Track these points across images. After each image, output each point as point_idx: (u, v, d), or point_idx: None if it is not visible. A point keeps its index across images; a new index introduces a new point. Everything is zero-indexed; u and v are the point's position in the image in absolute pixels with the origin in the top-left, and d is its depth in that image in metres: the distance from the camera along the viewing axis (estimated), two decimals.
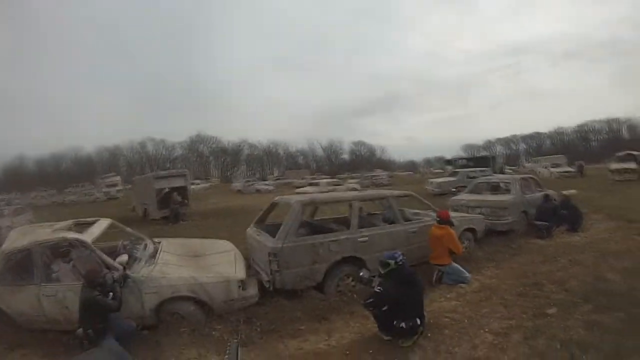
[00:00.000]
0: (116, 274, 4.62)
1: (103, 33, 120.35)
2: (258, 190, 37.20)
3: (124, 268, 4.83)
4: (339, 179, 39.56)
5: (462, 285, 5.97)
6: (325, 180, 31.78)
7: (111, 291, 4.31)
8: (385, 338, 4.22)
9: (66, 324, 4.70)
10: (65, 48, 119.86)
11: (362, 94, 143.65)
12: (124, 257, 5.03)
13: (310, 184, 30.42)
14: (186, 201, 17.56)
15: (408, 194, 7.75)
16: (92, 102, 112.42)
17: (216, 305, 4.95)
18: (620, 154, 24.05)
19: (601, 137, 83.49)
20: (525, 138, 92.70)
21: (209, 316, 4.93)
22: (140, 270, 5.02)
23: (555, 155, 40.96)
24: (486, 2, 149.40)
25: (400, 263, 4.22)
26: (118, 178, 49.66)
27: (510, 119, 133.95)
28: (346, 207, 7.66)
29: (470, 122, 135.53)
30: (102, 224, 6.01)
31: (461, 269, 6.20)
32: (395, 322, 4.04)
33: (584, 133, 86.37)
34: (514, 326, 4.38)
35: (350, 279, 5.81)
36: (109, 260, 4.93)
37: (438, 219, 6.33)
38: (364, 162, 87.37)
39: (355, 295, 5.59)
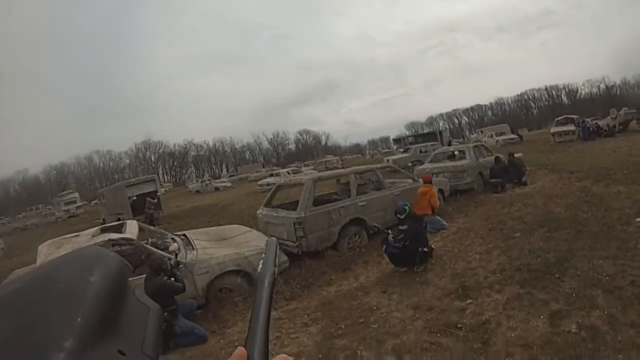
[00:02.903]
0: (172, 261, 5.25)
1: (30, 46, 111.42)
2: (217, 189, 37.12)
3: (176, 255, 5.59)
4: (297, 167, 40.76)
5: (443, 230, 7.46)
6: (284, 170, 32.54)
7: (172, 276, 4.91)
8: (402, 270, 5.51)
9: None
10: None
11: (298, 84, 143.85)
12: (175, 246, 5.81)
13: (271, 175, 31.16)
14: (155, 206, 17.63)
15: (388, 165, 9.16)
16: (29, 121, 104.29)
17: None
18: (560, 118, 26.70)
19: (541, 105, 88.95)
20: (467, 111, 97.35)
21: (253, 284, 5.53)
22: (187, 256, 5.74)
23: (499, 125, 42.80)
24: None
25: (410, 208, 5.70)
26: (76, 194, 46.87)
27: (451, 94, 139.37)
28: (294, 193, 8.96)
29: (410, 101, 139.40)
30: (133, 225, 6.56)
31: (440, 219, 7.73)
32: (419, 249, 5.42)
33: (524, 102, 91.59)
34: (492, 247, 5.90)
35: (357, 236, 7.15)
36: (159, 251, 5.65)
37: (423, 180, 8.01)
38: (311, 149, 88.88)
39: (363, 249, 6.93)
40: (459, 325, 3.81)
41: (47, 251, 5.81)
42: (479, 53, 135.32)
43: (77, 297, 0.50)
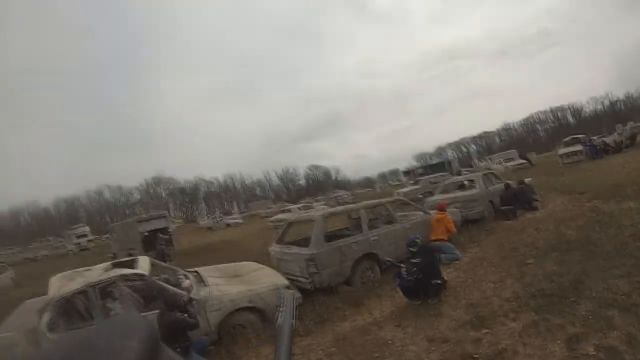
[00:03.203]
0: (185, 297, 5.27)
1: (43, 79, 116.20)
2: (228, 225, 37.17)
3: (189, 291, 5.67)
4: (308, 203, 40.87)
5: (456, 261, 7.39)
6: (296, 206, 32.61)
7: (185, 312, 4.93)
8: (416, 303, 5.46)
9: None
10: (6, 97, 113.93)
11: (306, 118, 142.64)
12: (188, 282, 5.88)
13: (283, 211, 31.13)
14: (167, 242, 17.63)
15: (399, 199, 9.23)
16: (40, 152, 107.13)
17: (270, 310, 5.84)
18: (567, 139, 26.66)
19: (548, 127, 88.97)
20: (475, 139, 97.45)
21: (266, 321, 5.69)
22: (200, 292, 5.78)
23: (507, 151, 42.52)
24: (410, 12, 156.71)
25: (422, 241, 5.81)
26: (87, 228, 47.21)
27: (457, 122, 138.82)
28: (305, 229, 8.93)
29: (418, 131, 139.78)
30: (145, 261, 6.62)
31: (453, 247, 7.71)
32: (432, 282, 5.40)
33: (530, 125, 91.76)
34: (506, 275, 5.82)
35: (370, 271, 7.12)
36: (171, 287, 5.71)
37: (438, 209, 8.30)
38: (321, 185, 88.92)
39: (376, 284, 6.87)
40: (475, 356, 3.76)
41: (59, 284, 5.90)
42: (482, 79, 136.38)
43: None
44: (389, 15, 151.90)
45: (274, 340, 0.63)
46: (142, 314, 5.09)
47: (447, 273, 6.62)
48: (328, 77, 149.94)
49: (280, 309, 0.79)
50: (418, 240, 5.87)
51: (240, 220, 39.95)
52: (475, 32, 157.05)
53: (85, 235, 43.34)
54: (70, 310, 5.38)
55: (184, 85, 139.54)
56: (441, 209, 8.45)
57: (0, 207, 71.69)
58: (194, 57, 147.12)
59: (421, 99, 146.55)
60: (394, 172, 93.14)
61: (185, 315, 4.91)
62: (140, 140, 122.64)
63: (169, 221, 19.62)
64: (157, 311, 5.10)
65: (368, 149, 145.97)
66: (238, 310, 5.74)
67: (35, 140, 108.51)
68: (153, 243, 16.80)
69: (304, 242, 7.39)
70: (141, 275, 5.78)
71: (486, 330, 4.23)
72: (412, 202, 9.37)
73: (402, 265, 5.74)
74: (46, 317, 5.14)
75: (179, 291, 5.52)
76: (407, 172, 44.32)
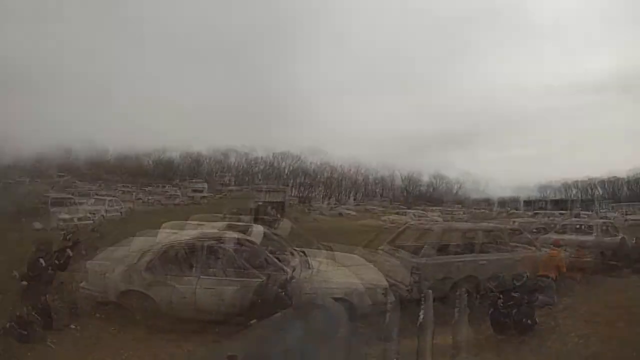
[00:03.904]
0: (288, 275, 5.46)
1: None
2: (340, 214, 37.22)
3: (293, 270, 5.85)
4: (423, 210, 40.51)
5: (549, 306, 7.06)
6: (412, 211, 33.28)
7: (284, 290, 5.10)
8: (499, 337, 5.54)
9: (217, 315, 5.30)
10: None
11: (441, 125, 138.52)
12: (296, 261, 6.15)
13: (397, 213, 31.91)
14: (279, 215, 18.29)
15: (517, 229, 8.95)
16: (177, 104, 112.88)
17: (363, 307, 5.76)
18: None
19: None
20: (602, 182, 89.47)
21: (355, 317, 5.41)
22: (302, 274, 5.91)
23: (633, 203, 41.74)
24: (568, 33, 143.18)
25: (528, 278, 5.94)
26: (205, 185, 47.73)
27: (588, 159, 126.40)
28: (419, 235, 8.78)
29: (546, 160, 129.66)
30: (259, 229, 6.98)
31: (554, 288, 7.43)
32: (524, 320, 5.47)
33: None
34: (592, 332, 5.58)
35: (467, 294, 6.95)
36: (277, 262, 5.95)
37: (554, 245, 8.34)
38: (440, 196, 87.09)
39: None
40: None
41: (170, 230, 6.42)
42: (626, 117, 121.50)
43: None
44: (547, 34, 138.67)
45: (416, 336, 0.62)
46: (241, 279, 5.49)
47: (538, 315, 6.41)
48: (472, 88, 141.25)
49: (422, 306, 0.81)
50: (526, 276, 5.86)
51: (353, 212, 39.59)
52: (624, 65, 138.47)
53: (201, 191, 44.25)
54: (172, 258, 5.72)
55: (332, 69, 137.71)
56: (557, 245, 8.46)
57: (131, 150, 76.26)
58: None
59: (559, 128, 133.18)
60: (515, 200, 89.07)
61: (283, 293, 5.11)
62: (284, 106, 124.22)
63: (286, 196, 20.51)
64: (260, 280, 5.40)
65: (494, 168, 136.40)
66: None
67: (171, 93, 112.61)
68: (266, 213, 17.41)
69: (414, 249, 7.38)
70: (252, 243, 6.15)
71: None
72: (528, 235, 9.05)
73: (501, 296, 5.76)
74: (147, 257, 5.60)
75: (284, 267, 5.82)
76: (528, 203, 42.88)
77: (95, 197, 21.04)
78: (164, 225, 6.92)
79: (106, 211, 17.13)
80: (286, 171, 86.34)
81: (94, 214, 15.96)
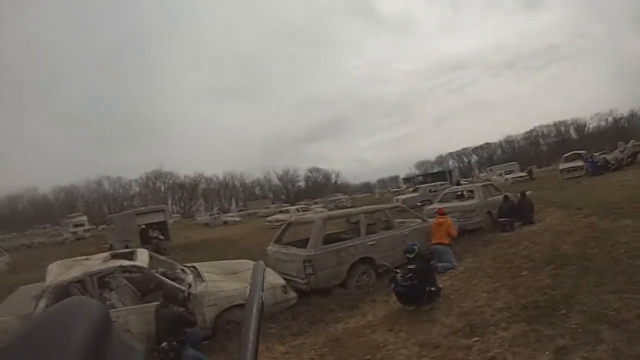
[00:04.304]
0: (185, 293, 5.37)
1: (46, 68, 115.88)
2: (225, 222, 37.38)
3: (189, 286, 5.71)
4: (306, 205, 40.93)
5: (451, 270, 7.46)
6: (294, 207, 32.71)
7: (184, 307, 4.98)
8: (410, 308, 5.54)
9: None
10: (12, 83, 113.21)
11: (308, 120, 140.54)
12: (191, 278, 5.96)
13: (281, 212, 31.22)
14: (164, 236, 17.99)
15: (398, 205, 9.33)
16: (42, 140, 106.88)
17: (266, 308, 5.98)
18: (568, 154, 26.94)
19: (550, 141, 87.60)
20: (476, 149, 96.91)
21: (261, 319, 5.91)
22: (197, 287, 5.86)
23: (508, 163, 43.15)
24: (417, 21, 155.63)
25: (419, 248, 5.92)
26: (85, 217, 46.85)
27: (460, 132, 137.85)
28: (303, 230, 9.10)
29: (419, 139, 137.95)
30: (144, 253, 6.64)
31: (452, 253, 7.86)
32: (427, 288, 5.48)
33: (533, 139, 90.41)
34: (499, 286, 5.88)
35: (365, 275, 7.20)
36: (170, 281, 5.75)
37: (438, 214, 8.46)
38: (321, 187, 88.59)
39: (370, 288, 6.96)
40: None
41: (57, 271, 5.92)
42: (487, 90, 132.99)
43: (62, 346, 0.51)
44: (398, 21, 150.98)
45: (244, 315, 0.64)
46: (140, 305, 5.22)
47: (442, 281, 6.68)
48: (333, 81, 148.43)
49: (249, 281, 0.79)
50: (416, 247, 5.94)
51: (237, 219, 40.17)
52: (482, 44, 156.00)
53: (82, 225, 42.94)
54: (66, 296, 5.40)
55: (189, 81, 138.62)
56: (441, 213, 8.61)
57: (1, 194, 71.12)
58: (199, 54, 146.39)
59: (425, 107, 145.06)
60: (394, 179, 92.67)
61: (183, 309, 4.95)
62: (142, 133, 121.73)
63: (167, 215, 19.67)
64: (156, 303, 5.18)
65: (369, 154, 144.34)
66: (233, 306, 5.79)
67: (37, 129, 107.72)
68: (149, 236, 17.03)
69: (302, 243, 7.48)
70: (140, 268, 5.88)
71: (477, 339, 4.29)
72: (410, 210, 9.47)
73: (398, 270, 5.86)
74: (42, 304, 5.16)
75: (179, 286, 5.61)
76: (407, 180, 44.69)
77: None
78: (50, 266, 6.37)
79: None
80: (162, 189, 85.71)
81: None
